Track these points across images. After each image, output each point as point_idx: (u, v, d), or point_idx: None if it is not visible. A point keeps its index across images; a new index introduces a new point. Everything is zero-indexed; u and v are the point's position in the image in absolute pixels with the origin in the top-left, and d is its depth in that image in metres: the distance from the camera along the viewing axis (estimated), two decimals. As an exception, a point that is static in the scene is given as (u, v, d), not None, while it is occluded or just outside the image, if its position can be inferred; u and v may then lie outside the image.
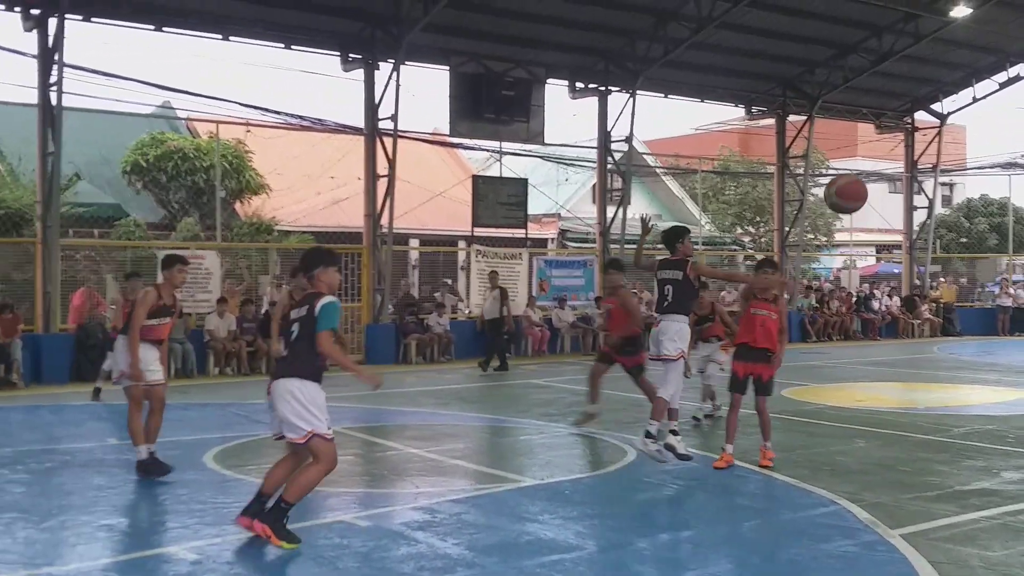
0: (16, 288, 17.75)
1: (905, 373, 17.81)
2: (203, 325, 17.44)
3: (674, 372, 8.37)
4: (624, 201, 22.91)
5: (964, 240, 36.88)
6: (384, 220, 19.45)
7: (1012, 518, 6.60)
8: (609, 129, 22.69)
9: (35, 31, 15.89)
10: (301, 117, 20.62)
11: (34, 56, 15.98)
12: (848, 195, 10.10)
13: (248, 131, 23.63)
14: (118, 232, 21.89)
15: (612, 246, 22.95)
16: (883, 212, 32.12)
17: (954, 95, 27.17)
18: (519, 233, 22.48)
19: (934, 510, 6.86)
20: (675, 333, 8.36)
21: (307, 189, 26.39)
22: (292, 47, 19.04)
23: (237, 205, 25.28)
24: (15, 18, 15.99)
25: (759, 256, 28.32)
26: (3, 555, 5.83)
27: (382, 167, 19.42)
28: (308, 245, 21.06)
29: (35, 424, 11.66)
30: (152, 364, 8.10)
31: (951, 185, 43.99)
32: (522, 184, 22.39)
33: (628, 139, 22.85)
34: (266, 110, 19.89)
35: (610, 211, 23.14)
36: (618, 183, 23.63)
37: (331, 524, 6.61)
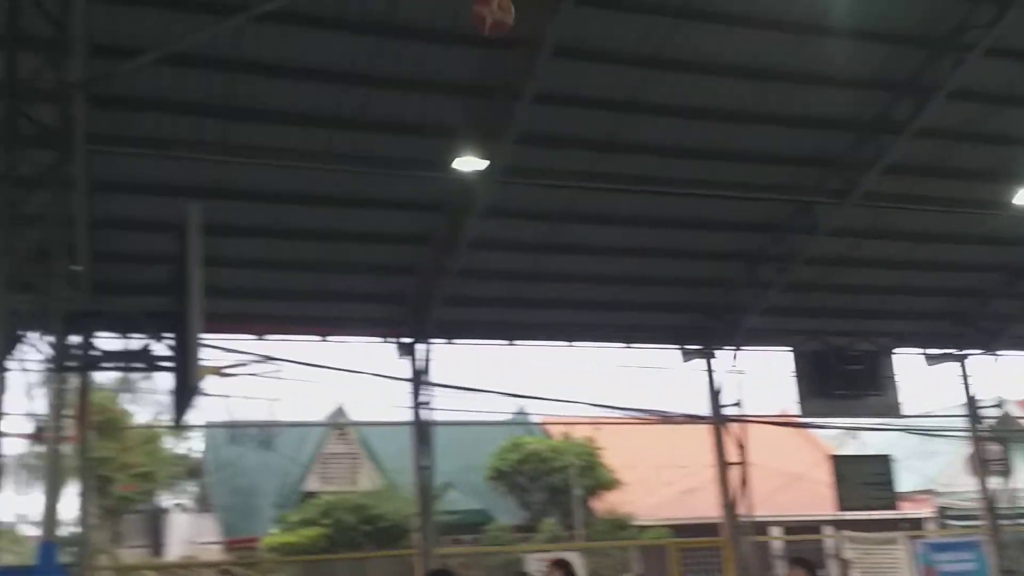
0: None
1: None
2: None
3: None
4: (1007, 471, 20.66)
5: None
6: (741, 509, 18.80)
7: None
8: (973, 394, 21.00)
9: (407, 358, 17.76)
10: (647, 411, 21.00)
11: (407, 379, 17.76)
12: None
13: (598, 429, 24.42)
14: (487, 537, 22.84)
15: (1002, 522, 20.50)
16: None
17: None
18: (890, 515, 20.75)
19: None
20: None
21: (658, 480, 26.36)
22: (632, 345, 19.77)
23: (593, 501, 25.69)
24: (389, 347, 18.04)
25: None
26: None
27: (733, 453, 19.07)
28: (663, 541, 20.74)
29: None
30: None
31: None
32: (885, 461, 20.92)
33: (999, 403, 20.93)
34: (613, 407, 20.52)
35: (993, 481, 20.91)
36: (995, 450, 21.46)
37: None
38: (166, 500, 29.50)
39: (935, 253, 18.79)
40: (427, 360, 17.33)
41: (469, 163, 13.72)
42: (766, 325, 19.42)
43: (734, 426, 19.07)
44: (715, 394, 19.41)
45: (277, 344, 16.98)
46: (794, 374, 19.78)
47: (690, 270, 18.25)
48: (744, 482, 18.77)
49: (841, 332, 19.93)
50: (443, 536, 21.26)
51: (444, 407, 18.07)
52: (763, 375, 33.66)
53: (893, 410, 20.35)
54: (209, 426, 26.82)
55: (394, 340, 17.81)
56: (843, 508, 20.29)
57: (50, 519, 13.75)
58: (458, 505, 24.67)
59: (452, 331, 18.23)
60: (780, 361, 19.40)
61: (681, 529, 23.19)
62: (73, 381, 14.88)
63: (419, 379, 17.49)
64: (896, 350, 20.42)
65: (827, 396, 19.71)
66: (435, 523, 17.57)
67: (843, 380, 19.43)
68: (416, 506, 17.76)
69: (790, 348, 19.88)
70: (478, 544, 22.89)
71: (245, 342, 16.66)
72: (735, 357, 18.99)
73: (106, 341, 13.70)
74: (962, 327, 20.66)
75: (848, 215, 16.28)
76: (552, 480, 24.64)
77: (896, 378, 20.15)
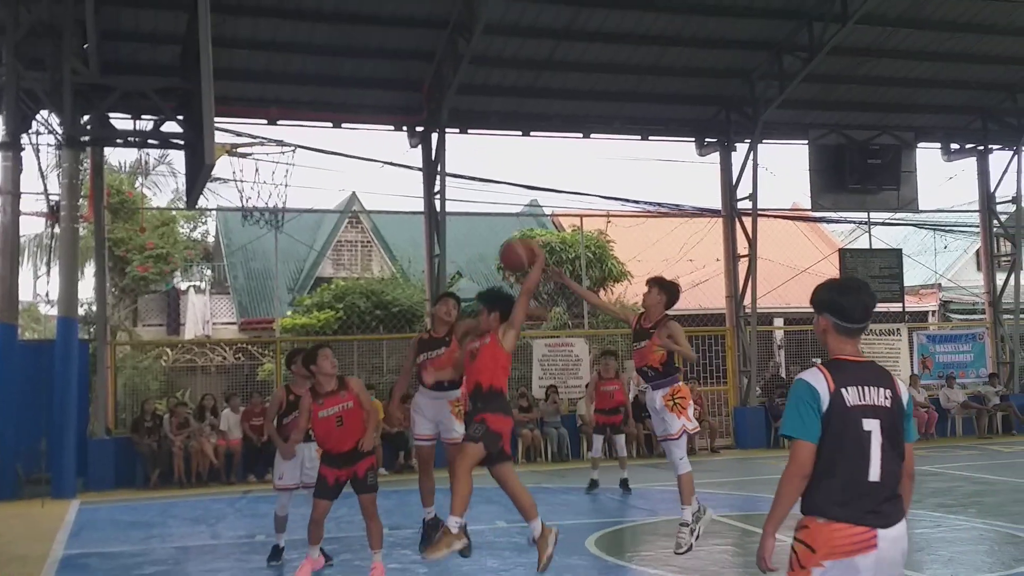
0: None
1: None
2: (575, 410, 18.00)
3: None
4: (1016, 266, 20.87)
5: None
6: (747, 300, 19.17)
7: None
8: (992, 190, 20.96)
9: (419, 147, 17.60)
10: (659, 204, 20.99)
11: (419, 169, 17.68)
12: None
13: (609, 222, 24.48)
14: (495, 324, 23.40)
15: (1005, 316, 20.94)
16: None
17: None
18: (895, 307, 21.14)
19: None
20: None
21: (666, 273, 26.56)
22: (649, 138, 19.54)
23: (601, 293, 26.12)
24: (401, 137, 17.86)
25: None
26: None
27: (742, 247, 19.23)
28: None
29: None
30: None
31: None
32: (895, 255, 21.13)
33: (1016, 199, 20.89)
34: (625, 200, 20.49)
35: (1000, 277, 21.20)
36: (1007, 247, 21.64)
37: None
38: (182, 282, 30.10)
39: (969, 44, 18.21)
40: (441, 150, 17.17)
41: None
42: (785, 118, 19.14)
43: (745, 220, 19.12)
44: (729, 188, 19.36)
45: (290, 130, 16.78)
46: (809, 168, 19.67)
47: (711, 60, 17.78)
48: (751, 275, 19.01)
49: (862, 125, 19.68)
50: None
51: (457, 198, 18.08)
52: (778, 169, 33.45)
53: (910, 205, 20.34)
54: (222, 209, 27.01)
55: (408, 128, 17.63)
56: (848, 301, 20.63)
57: (68, 297, 14.03)
58: (469, 293, 25.04)
59: (466, 120, 17.99)
60: (795, 155, 19.20)
61: (687, 319, 23.58)
62: (86, 162, 14.86)
63: (432, 168, 17.41)
64: (918, 145, 20.23)
65: (842, 190, 19.68)
66: (447, 309, 17.89)
67: (860, 174, 19.31)
68: (427, 293, 18.10)
69: (807, 142, 19.68)
70: (487, 330, 23.49)
71: (258, 126, 16.45)
72: (752, 151, 18.77)
73: (119, 121, 13.59)
74: (987, 122, 20.38)
75: (881, 1, 15.65)
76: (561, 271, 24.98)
77: (915, 173, 20.05)
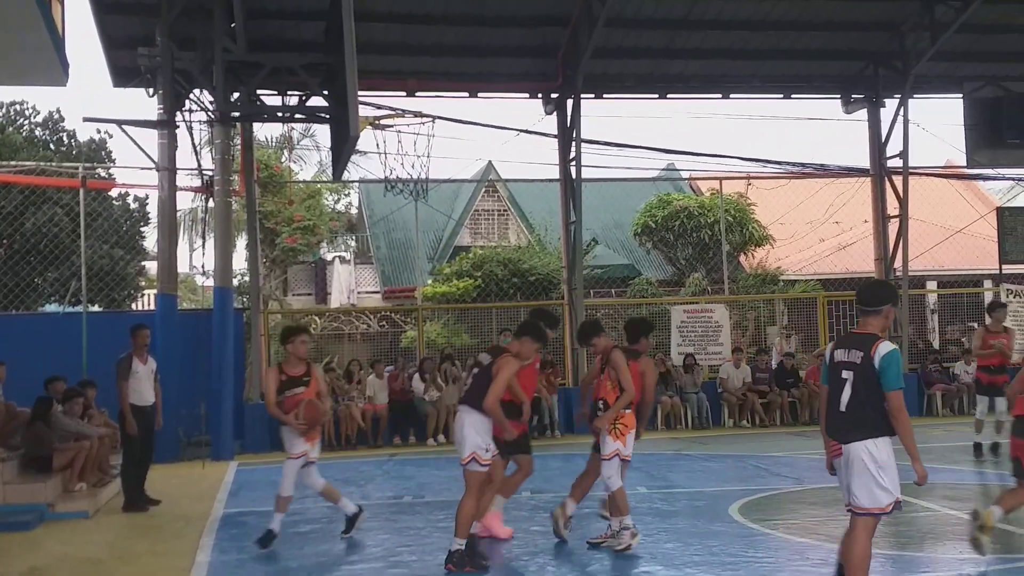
0: (545, 346, 19.48)
1: None
2: (716, 376, 17.75)
3: None
4: None
5: None
6: (897, 263, 18.44)
7: None
8: None
9: (555, 114, 17.55)
10: (803, 165, 20.36)
11: (554, 136, 17.64)
12: None
13: (749, 184, 23.91)
14: (632, 290, 23.27)
15: None
16: None
17: None
18: (1057, 268, 19.98)
19: None
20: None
21: (811, 237, 25.93)
22: (792, 96, 18.96)
23: (741, 257, 25.60)
24: (536, 104, 17.83)
25: None
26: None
27: (892, 207, 18.50)
28: (813, 294, 20.65)
29: (571, 471, 12.56)
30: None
31: None
32: (1057, 213, 19.93)
33: None
34: (767, 162, 19.95)
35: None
36: None
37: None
38: (328, 252, 31.05)
39: None
40: (576, 116, 17.07)
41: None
42: (937, 71, 18.27)
43: (895, 179, 18.37)
44: (878, 145, 18.62)
45: (427, 101, 17.01)
46: (964, 123, 18.72)
47: (857, 12, 17.05)
48: (902, 236, 18.27)
49: (1022, 77, 18.57)
50: (591, 289, 21.75)
51: (592, 164, 17.94)
52: (930, 125, 31.89)
53: (1075, 160, 19.12)
54: (365, 181, 27.63)
55: (543, 95, 17.57)
56: (1007, 262, 19.61)
57: (223, 268, 14.68)
58: (605, 260, 25.02)
59: (602, 85, 17.84)
60: (949, 110, 18.27)
61: (832, 284, 22.98)
62: (236, 138, 15.44)
63: (568, 135, 17.35)
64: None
65: (999, 146, 18.64)
66: (582, 277, 17.90)
67: (1019, 128, 18.23)
68: (563, 260, 18.12)
69: (961, 95, 18.72)
70: (624, 297, 23.32)
71: (396, 99, 16.73)
72: (904, 106, 17.97)
73: (267, 97, 14.03)
74: None
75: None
76: (700, 236, 24.56)
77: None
